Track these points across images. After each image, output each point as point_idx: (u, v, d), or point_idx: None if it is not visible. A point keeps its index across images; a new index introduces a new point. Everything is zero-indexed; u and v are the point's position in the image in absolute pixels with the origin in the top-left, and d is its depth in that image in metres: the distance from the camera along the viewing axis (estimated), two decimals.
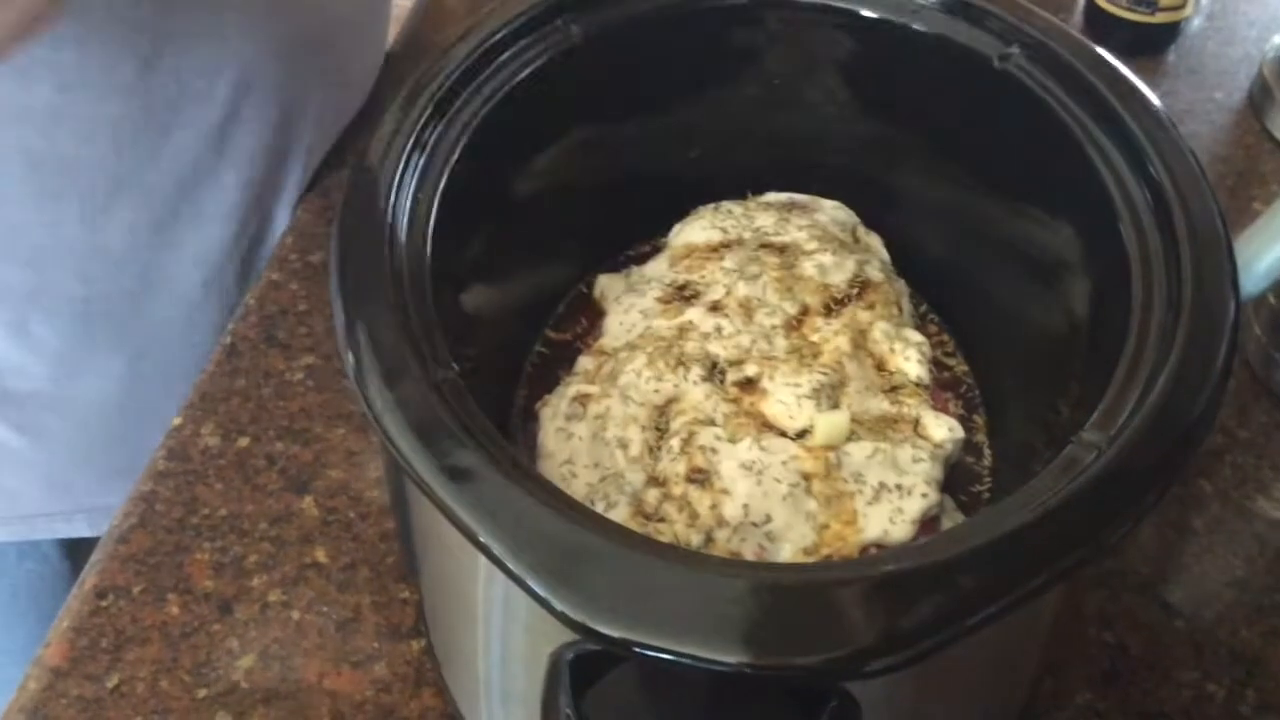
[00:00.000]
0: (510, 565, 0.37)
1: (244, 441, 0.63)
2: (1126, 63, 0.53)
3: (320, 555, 0.59)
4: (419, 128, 0.49)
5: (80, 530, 0.75)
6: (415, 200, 0.47)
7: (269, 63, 0.68)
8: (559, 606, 0.36)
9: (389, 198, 0.47)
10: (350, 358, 0.42)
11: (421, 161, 0.49)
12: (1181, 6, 0.88)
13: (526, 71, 0.53)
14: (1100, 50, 0.53)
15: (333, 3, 0.73)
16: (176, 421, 0.64)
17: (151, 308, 0.70)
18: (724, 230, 0.58)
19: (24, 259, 0.65)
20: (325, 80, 0.74)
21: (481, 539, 0.38)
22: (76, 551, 0.77)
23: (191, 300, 0.72)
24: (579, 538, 0.37)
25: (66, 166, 0.63)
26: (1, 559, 0.77)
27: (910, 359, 0.54)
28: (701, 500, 0.47)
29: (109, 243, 0.67)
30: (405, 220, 0.47)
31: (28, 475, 0.72)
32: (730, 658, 0.35)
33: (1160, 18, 0.88)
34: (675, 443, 0.49)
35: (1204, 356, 0.42)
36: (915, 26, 0.56)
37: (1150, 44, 0.90)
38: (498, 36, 0.53)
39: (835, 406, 0.51)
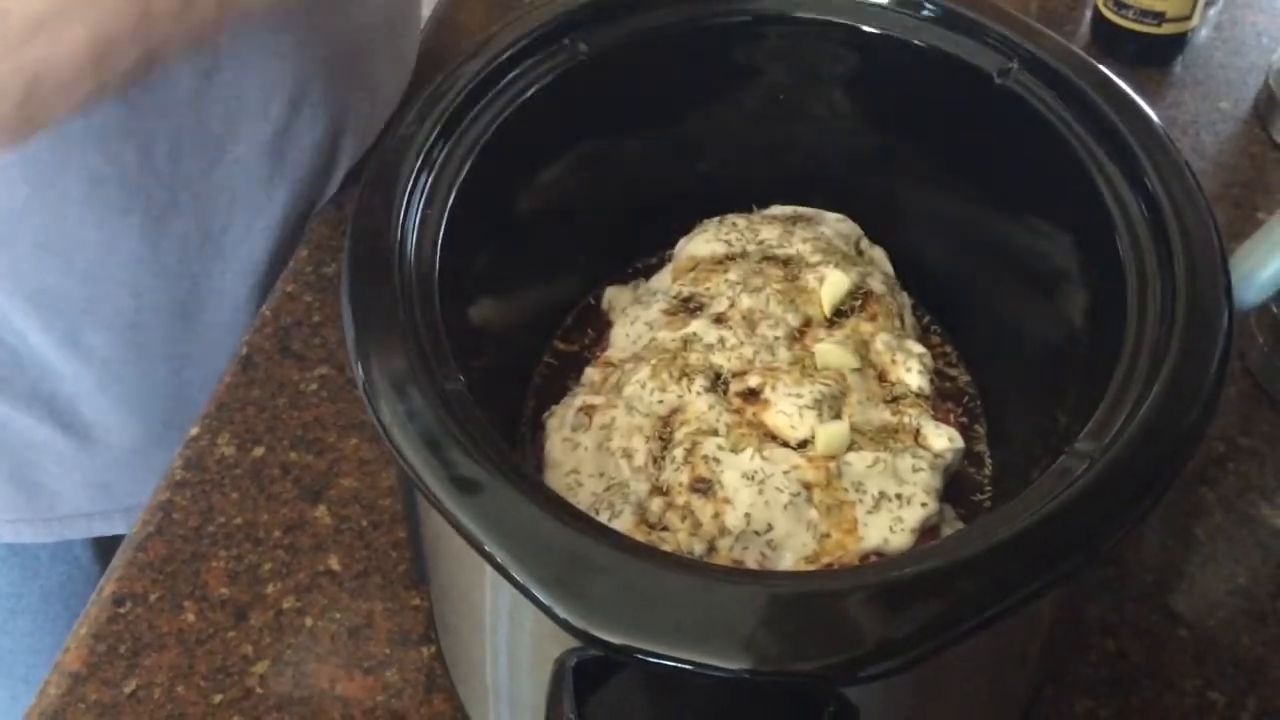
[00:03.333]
0: (515, 574, 0.38)
1: (259, 451, 0.65)
2: (1133, 74, 0.54)
3: (333, 563, 0.60)
4: (428, 145, 0.50)
5: (117, 528, 0.76)
6: (424, 216, 0.49)
7: (319, 76, 0.70)
8: (562, 614, 0.37)
9: (399, 213, 0.48)
10: (360, 371, 0.43)
11: (430, 178, 0.50)
12: (1188, 18, 0.88)
13: (534, 88, 0.54)
14: (1099, 65, 0.53)
15: (367, 12, 0.75)
16: (194, 431, 0.65)
17: (199, 317, 0.72)
18: (728, 243, 0.59)
19: (81, 273, 0.66)
20: (366, 92, 0.76)
21: (487, 548, 0.39)
22: (108, 555, 0.79)
23: (237, 308, 0.73)
24: (583, 547, 0.38)
25: (127, 182, 0.64)
26: (34, 562, 0.78)
27: (912, 370, 0.55)
28: (704, 509, 0.48)
29: (163, 256, 0.68)
30: (414, 235, 0.48)
31: (71, 476, 0.73)
32: (731, 664, 0.36)
33: (1167, 29, 0.89)
34: (679, 453, 0.50)
35: (1197, 368, 0.43)
36: (916, 42, 0.57)
37: (1157, 55, 0.91)
38: (506, 54, 0.54)
39: (837, 417, 0.52)
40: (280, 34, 0.66)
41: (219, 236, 0.70)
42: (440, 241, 0.48)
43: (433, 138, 0.50)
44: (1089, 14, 0.94)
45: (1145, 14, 0.88)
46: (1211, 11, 0.96)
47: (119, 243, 0.66)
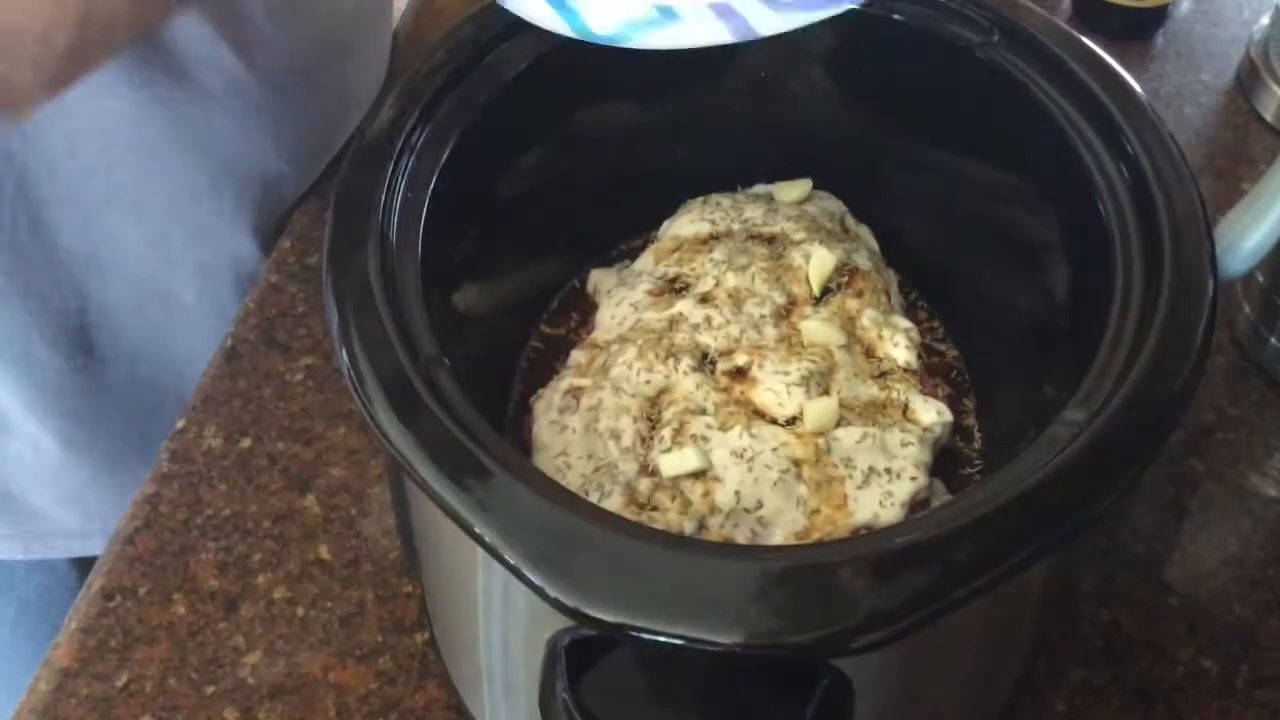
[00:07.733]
0: (505, 554, 0.38)
1: (246, 442, 0.64)
2: (1116, 48, 0.53)
3: (323, 552, 0.60)
4: (409, 129, 0.50)
5: (96, 550, 0.75)
6: (406, 201, 0.48)
7: (279, 82, 0.69)
8: (553, 593, 0.37)
9: (380, 199, 0.47)
10: (345, 358, 0.43)
11: (411, 163, 0.49)
12: None
13: (514, 71, 0.54)
14: (1078, 35, 0.53)
15: (345, 9, 0.73)
16: (180, 424, 0.65)
17: (145, 318, 0.71)
18: (713, 222, 0.59)
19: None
20: (335, 93, 0.75)
21: (477, 530, 0.38)
22: (85, 567, 0.78)
23: (186, 309, 0.72)
24: (572, 526, 0.38)
25: (56, 175, 0.63)
26: (10, 574, 0.77)
27: (899, 345, 0.54)
28: (694, 488, 0.48)
29: (99, 254, 0.67)
30: (396, 221, 0.47)
31: (48, 491, 0.73)
32: (723, 639, 0.36)
33: (1148, 2, 0.88)
34: (667, 433, 0.49)
35: (1182, 336, 0.43)
36: (897, 16, 0.56)
37: (1139, 28, 0.91)
38: (485, 37, 0.54)
39: (825, 393, 0.52)
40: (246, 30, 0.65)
41: (160, 241, 0.68)
42: (423, 226, 0.48)
43: (413, 122, 0.50)
44: None
45: None
46: None
47: (55, 237, 0.65)
